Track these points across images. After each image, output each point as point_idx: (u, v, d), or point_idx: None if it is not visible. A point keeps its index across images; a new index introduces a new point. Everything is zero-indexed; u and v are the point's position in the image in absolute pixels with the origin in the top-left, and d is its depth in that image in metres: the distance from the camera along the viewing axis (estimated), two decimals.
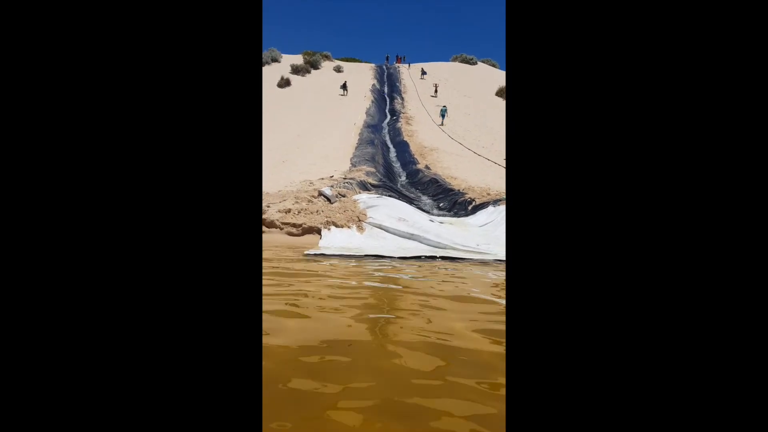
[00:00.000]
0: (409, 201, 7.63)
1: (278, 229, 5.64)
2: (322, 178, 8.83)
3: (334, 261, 4.08)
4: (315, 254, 4.43)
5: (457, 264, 4.26)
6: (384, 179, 9.30)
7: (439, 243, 5.18)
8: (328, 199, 6.62)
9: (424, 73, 23.93)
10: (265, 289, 2.60)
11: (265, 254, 4.28)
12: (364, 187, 7.86)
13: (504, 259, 4.21)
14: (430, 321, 1.99)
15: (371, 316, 2.05)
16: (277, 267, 3.53)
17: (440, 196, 8.41)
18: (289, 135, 13.61)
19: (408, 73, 24.64)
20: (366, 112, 17.10)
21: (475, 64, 28.81)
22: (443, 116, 15.90)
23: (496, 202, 6.84)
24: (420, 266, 3.98)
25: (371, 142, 13.00)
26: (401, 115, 17.08)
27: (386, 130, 15.28)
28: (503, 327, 1.86)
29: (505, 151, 0.77)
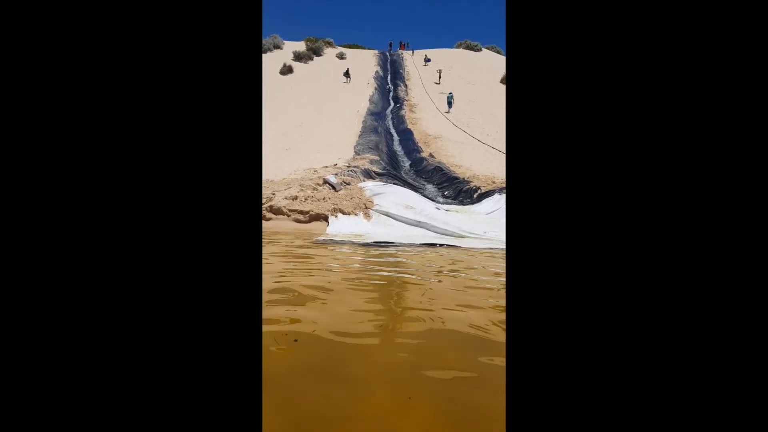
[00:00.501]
0: (414, 189, 7.61)
1: (285, 216, 5.66)
2: (326, 166, 8.81)
3: (345, 249, 4.10)
4: (324, 240, 4.45)
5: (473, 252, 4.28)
6: (388, 167, 9.26)
7: (447, 230, 5.19)
8: (333, 187, 6.62)
9: (427, 60, 23.65)
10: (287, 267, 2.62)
11: (278, 239, 4.30)
12: (369, 175, 7.84)
13: None
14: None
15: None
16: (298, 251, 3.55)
17: (445, 184, 8.39)
18: (292, 123, 13.54)
19: (411, 60, 24.36)
20: (369, 100, 16.96)
21: (479, 50, 28.45)
22: (450, 104, 15.75)
23: (501, 190, 6.82)
24: (441, 254, 4.00)
25: (375, 130, 12.93)
26: (405, 102, 16.94)
27: (390, 118, 15.17)
28: None
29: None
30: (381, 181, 7.52)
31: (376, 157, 9.70)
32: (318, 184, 6.67)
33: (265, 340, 1.38)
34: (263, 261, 3.02)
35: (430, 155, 10.56)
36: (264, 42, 24.37)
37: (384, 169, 8.86)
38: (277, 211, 5.70)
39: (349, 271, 2.95)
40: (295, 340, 1.38)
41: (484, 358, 1.32)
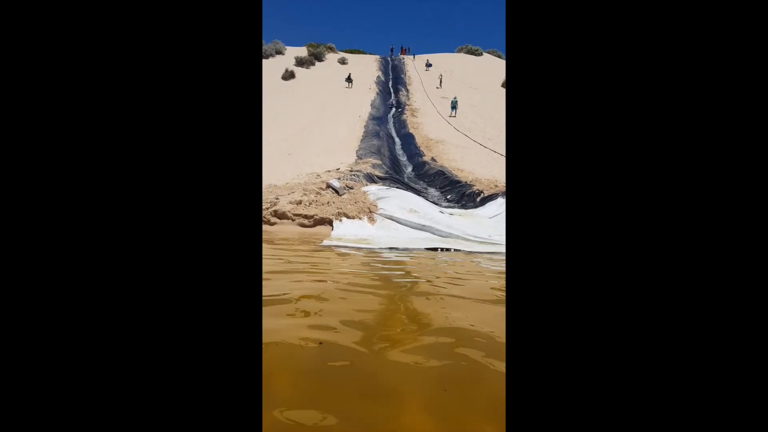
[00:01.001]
0: (417, 193, 7.63)
1: (290, 220, 5.67)
2: (329, 171, 8.84)
3: (354, 252, 4.11)
4: (330, 245, 4.47)
5: (476, 256, 4.28)
6: (390, 171, 9.29)
7: (451, 234, 5.20)
8: (336, 191, 6.64)
9: (429, 64, 23.75)
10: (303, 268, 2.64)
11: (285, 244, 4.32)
12: (371, 179, 7.86)
13: None
14: None
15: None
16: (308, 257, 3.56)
17: (447, 188, 8.40)
18: (295, 128, 13.59)
19: (413, 65, 24.46)
20: (371, 104, 17.02)
21: (480, 55, 28.55)
22: (454, 108, 15.81)
23: (504, 194, 6.84)
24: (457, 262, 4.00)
25: (377, 135, 12.97)
26: (406, 107, 17.00)
27: (391, 122, 15.23)
28: None
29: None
30: (384, 185, 7.54)
31: (379, 161, 9.72)
32: (321, 189, 6.69)
33: (290, 340, 1.39)
34: (275, 264, 3.03)
35: (432, 159, 10.59)
36: (266, 47, 24.50)
37: (386, 173, 8.88)
38: (282, 216, 5.72)
39: (369, 276, 2.96)
40: (320, 344, 1.41)
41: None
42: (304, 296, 2.12)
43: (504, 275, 3.04)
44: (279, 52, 25.29)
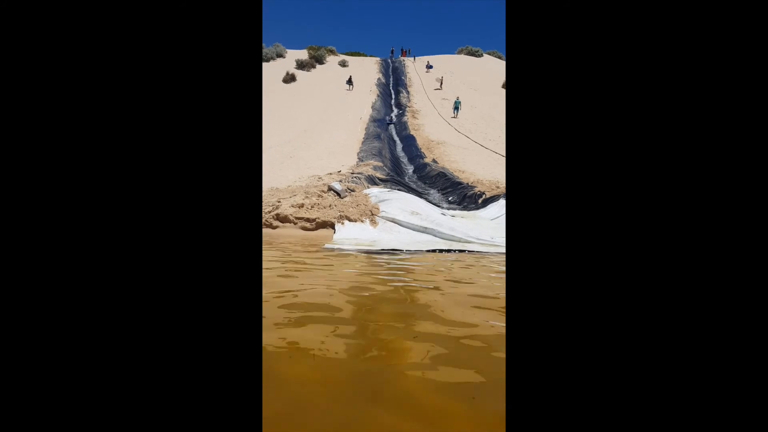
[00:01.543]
0: (418, 195, 7.63)
1: (292, 224, 5.68)
2: (330, 173, 8.85)
3: (357, 254, 4.12)
4: (332, 248, 4.47)
5: (478, 256, 4.28)
6: (392, 173, 9.30)
7: (454, 236, 5.20)
8: (338, 194, 6.64)
9: (429, 66, 23.79)
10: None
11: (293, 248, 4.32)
12: (372, 181, 7.87)
13: None
14: None
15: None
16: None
17: (449, 189, 8.40)
18: (296, 130, 13.62)
19: (413, 67, 24.50)
20: (372, 107, 17.06)
21: (481, 56, 28.59)
22: (457, 108, 15.84)
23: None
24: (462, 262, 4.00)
25: (378, 137, 12.99)
26: (407, 108, 17.02)
27: (393, 124, 15.25)
28: None
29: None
30: (385, 187, 7.55)
31: (380, 164, 9.73)
32: (323, 191, 6.69)
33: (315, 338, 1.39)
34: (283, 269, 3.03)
35: (434, 161, 10.59)
36: (266, 51, 24.57)
37: (388, 175, 8.89)
38: (284, 219, 5.73)
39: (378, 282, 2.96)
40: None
41: None
42: (312, 302, 2.12)
43: None
44: (280, 55, 25.37)
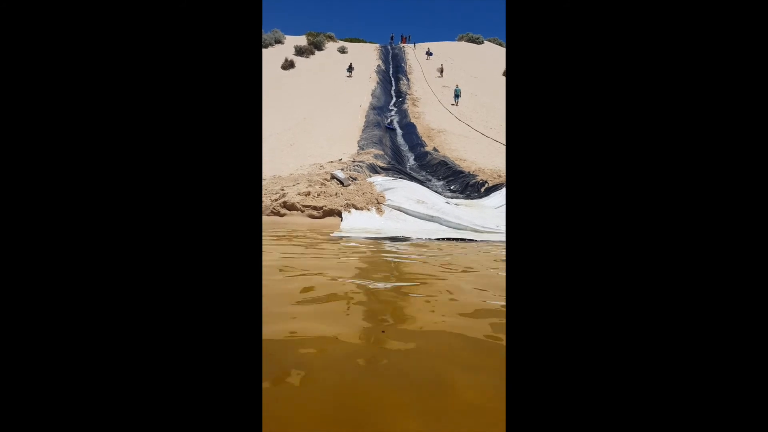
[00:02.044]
0: (421, 183, 7.66)
1: (299, 212, 5.72)
2: (332, 161, 8.85)
3: (365, 242, 4.17)
4: (340, 236, 4.52)
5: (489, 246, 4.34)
6: (393, 162, 9.30)
7: (460, 224, 5.26)
8: (341, 182, 6.67)
9: (429, 53, 23.54)
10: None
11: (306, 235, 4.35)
12: (374, 170, 7.88)
13: None
14: None
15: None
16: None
17: (450, 178, 8.43)
18: (296, 118, 13.53)
19: (413, 54, 24.24)
20: (372, 94, 16.93)
21: (481, 43, 28.31)
22: (458, 96, 15.76)
23: None
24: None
25: (378, 125, 12.94)
26: (407, 96, 16.92)
27: (393, 112, 15.18)
28: None
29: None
30: (388, 175, 7.57)
31: (380, 152, 9.73)
32: (326, 180, 6.71)
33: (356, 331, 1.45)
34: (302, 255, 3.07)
35: (434, 149, 10.59)
36: (265, 37, 24.19)
37: (389, 163, 8.89)
38: (291, 207, 5.76)
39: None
40: (383, 332, 1.49)
41: None
42: (336, 293, 2.17)
43: None
44: (278, 41, 25.01)
